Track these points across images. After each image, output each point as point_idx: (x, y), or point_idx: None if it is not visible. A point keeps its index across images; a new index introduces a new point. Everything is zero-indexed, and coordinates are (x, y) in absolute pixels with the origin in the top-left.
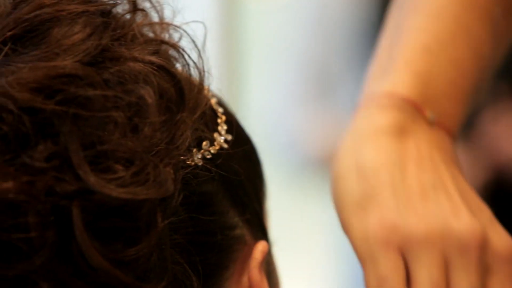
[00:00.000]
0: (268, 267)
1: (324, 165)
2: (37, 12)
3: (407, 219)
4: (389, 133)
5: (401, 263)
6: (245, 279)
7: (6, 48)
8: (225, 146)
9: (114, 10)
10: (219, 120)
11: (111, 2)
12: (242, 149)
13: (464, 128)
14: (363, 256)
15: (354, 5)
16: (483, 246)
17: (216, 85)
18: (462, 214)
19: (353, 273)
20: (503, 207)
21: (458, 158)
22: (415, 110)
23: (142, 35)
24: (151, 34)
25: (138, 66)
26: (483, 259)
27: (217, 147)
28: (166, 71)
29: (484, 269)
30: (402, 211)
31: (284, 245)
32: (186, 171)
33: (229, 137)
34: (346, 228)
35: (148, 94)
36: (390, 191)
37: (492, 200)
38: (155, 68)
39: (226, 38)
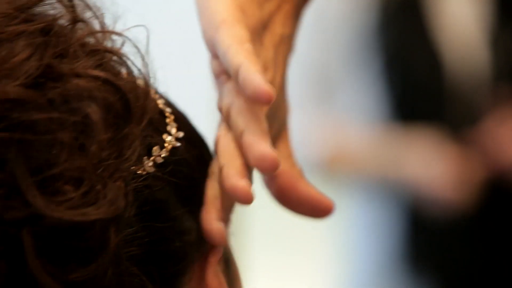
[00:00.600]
0: (227, 265)
1: (324, 168)
2: None
3: None
4: None
5: None
6: (204, 283)
7: None
8: (178, 144)
9: (54, 25)
10: (167, 120)
11: (51, 18)
12: (194, 148)
13: (467, 130)
14: None
15: (354, 8)
16: None
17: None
18: None
19: (353, 274)
20: (504, 209)
21: None
22: None
23: (84, 46)
24: (93, 43)
25: (82, 82)
26: None
27: (169, 147)
28: (111, 84)
29: None
30: None
31: (284, 247)
32: (138, 181)
33: (180, 135)
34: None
35: (94, 112)
36: None
37: (494, 202)
38: (99, 82)
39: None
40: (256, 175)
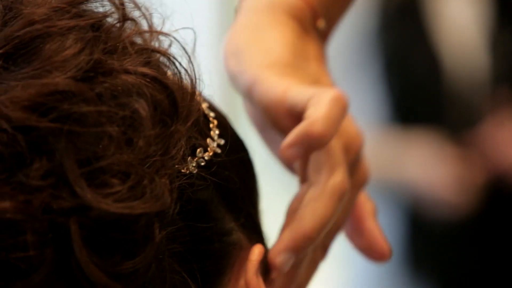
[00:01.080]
0: (265, 268)
1: None
2: (28, 28)
3: None
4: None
5: None
6: (241, 283)
7: None
8: (219, 151)
9: (103, 22)
10: (211, 125)
11: (101, 14)
12: (235, 152)
13: (466, 133)
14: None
15: (353, 11)
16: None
17: (215, 88)
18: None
19: (353, 275)
20: (504, 212)
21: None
22: (311, 16)
23: (133, 44)
24: (140, 42)
25: (130, 78)
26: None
27: (211, 153)
28: (159, 82)
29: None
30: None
31: None
32: (182, 180)
33: (222, 142)
34: (256, 75)
35: (142, 107)
36: (301, 70)
37: (493, 205)
38: (147, 79)
39: (220, 44)
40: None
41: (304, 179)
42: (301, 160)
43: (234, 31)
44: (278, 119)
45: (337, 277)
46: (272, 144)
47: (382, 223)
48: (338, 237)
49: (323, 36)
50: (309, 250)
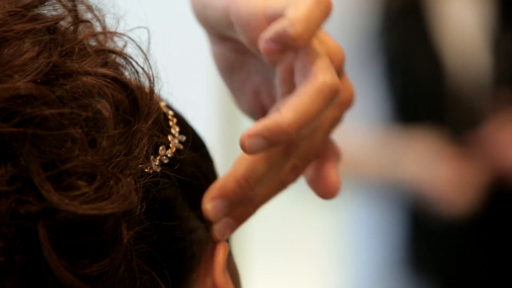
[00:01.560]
0: (229, 265)
1: None
2: None
3: None
4: None
5: None
6: (208, 280)
7: None
8: (181, 147)
9: (58, 25)
10: (171, 123)
11: (55, 17)
12: (196, 149)
13: (468, 133)
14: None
15: (356, 11)
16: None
17: (217, 85)
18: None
19: (354, 275)
20: (505, 212)
21: None
22: None
23: (89, 46)
24: (95, 44)
25: (91, 79)
26: None
27: (173, 149)
28: (119, 82)
29: None
30: None
31: (285, 249)
32: (146, 179)
33: (183, 138)
34: None
35: (105, 108)
36: None
37: (494, 205)
38: (108, 80)
39: (174, 41)
40: None
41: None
42: (281, 68)
43: None
44: (258, 33)
45: (338, 276)
46: (238, 91)
47: (384, 224)
48: (339, 238)
49: None
50: (276, 160)
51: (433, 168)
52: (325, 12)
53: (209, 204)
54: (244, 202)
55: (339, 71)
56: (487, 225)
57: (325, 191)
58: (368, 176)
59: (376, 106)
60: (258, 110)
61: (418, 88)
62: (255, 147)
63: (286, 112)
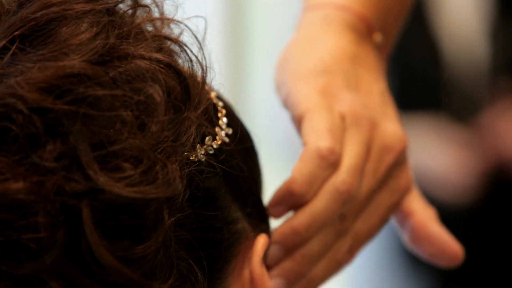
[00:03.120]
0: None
1: None
2: (44, 11)
3: (349, 95)
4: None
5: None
6: (246, 272)
7: (13, 47)
8: (227, 140)
9: (117, 7)
10: (219, 115)
11: (115, 0)
12: (242, 142)
13: (467, 121)
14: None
15: None
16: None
17: (218, 79)
18: (394, 120)
19: (354, 272)
20: (504, 202)
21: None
22: (366, 30)
23: (146, 31)
24: (152, 29)
25: (145, 64)
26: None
27: (219, 142)
28: (173, 68)
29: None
30: (347, 89)
31: None
32: (191, 167)
33: (230, 131)
34: (290, 87)
35: (157, 93)
36: (343, 75)
37: (493, 195)
38: (161, 65)
39: (228, 33)
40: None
41: None
42: None
43: (288, 43)
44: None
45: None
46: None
47: None
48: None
49: (381, 50)
50: (329, 239)
51: (433, 156)
52: (326, 165)
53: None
54: (301, 278)
55: (396, 160)
56: (487, 214)
57: (450, 259)
58: None
59: None
60: None
61: (416, 76)
62: (273, 254)
63: (298, 215)
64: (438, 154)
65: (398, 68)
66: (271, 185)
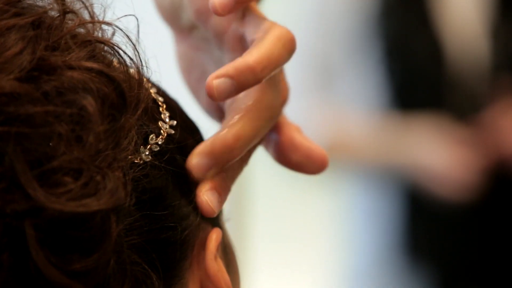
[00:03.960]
0: (225, 251)
1: None
2: None
3: None
4: None
5: None
6: (202, 266)
7: None
8: (172, 132)
9: (44, 18)
10: (161, 109)
11: (41, 10)
12: (188, 134)
13: (469, 119)
14: None
15: None
16: None
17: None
18: None
19: (352, 262)
20: (505, 199)
21: None
22: None
23: (76, 37)
24: (84, 33)
25: (75, 74)
26: None
27: (165, 135)
28: (105, 75)
29: None
30: None
31: (285, 236)
32: (136, 171)
33: (174, 123)
34: None
35: (89, 104)
36: None
37: (494, 191)
38: (93, 74)
39: None
40: (261, 161)
41: None
42: (229, 37)
43: None
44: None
45: (336, 261)
46: (196, 89)
47: (382, 210)
48: (336, 224)
49: None
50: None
51: (434, 152)
52: (287, 51)
53: (195, 159)
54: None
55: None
56: (487, 210)
57: (316, 165)
58: (367, 162)
59: (374, 91)
60: (215, 108)
61: (417, 73)
62: (223, 88)
63: (250, 54)
64: (439, 152)
65: (399, 65)
66: (272, 182)
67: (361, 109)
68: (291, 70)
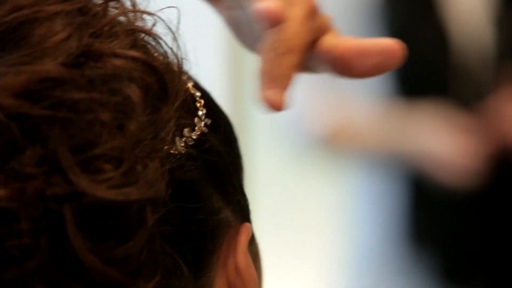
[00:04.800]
0: (252, 249)
1: (328, 143)
2: (15, 14)
3: None
4: None
5: None
6: (231, 262)
7: None
8: (205, 130)
9: (89, 5)
10: (197, 104)
11: None
12: (222, 131)
13: (474, 107)
14: None
15: None
16: None
17: (222, 63)
18: None
19: (360, 250)
20: (509, 186)
21: None
22: None
23: (119, 26)
24: (125, 22)
25: (120, 62)
26: None
27: (198, 132)
28: (148, 65)
29: None
30: None
31: (289, 224)
32: (172, 162)
33: (209, 121)
34: None
35: (134, 93)
36: None
37: (498, 179)
38: (138, 63)
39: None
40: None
41: None
42: None
43: None
44: None
45: (340, 248)
46: (253, 47)
47: (386, 197)
48: (341, 211)
49: None
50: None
51: (438, 140)
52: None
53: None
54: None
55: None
56: (491, 198)
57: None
58: (372, 149)
59: (379, 79)
60: None
61: (422, 61)
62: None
63: None
64: (443, 139)
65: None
66: (277, 169)
67: (365, 96)
68: None
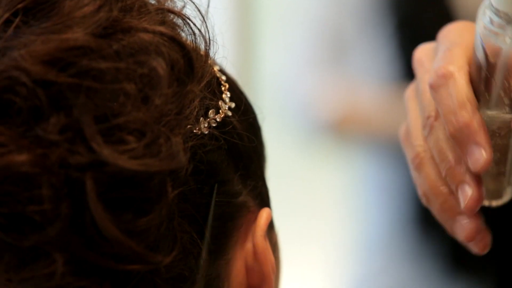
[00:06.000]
0: (271, 237)
1: (335, 128)
2: None
3: None
4: None
5: None
6: (249, 245)
7: (17, 20)
8: (229, 113)
9: None
10: (222, 88)
11: None
12: (245, 116)
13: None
14: None
15: None
16: None
17: (230, 49)
18: None
19: (368, 235)
20: None
21: None
22: None
23: (149, 4)
24: (154, 2)
25: (148, 37)
26: None
27: (222, 115)
28: (176, 41)
29: None
30: None
31: (297, 209)
32: (194, 140)
33: (233, 105)
34: None
35: (160, 66)
36: None
37: None
38: (165, 38)
39: (239, 2)
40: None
41: None
42: None
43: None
44: None
45: (348, 234)
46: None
47: (393, 182)
48: (349, 197)
49: None
50: None
51: None
52: None
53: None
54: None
55: None
56: None
57: None
58: (379, 135)
59: (386, 64)
60: None
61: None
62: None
63: None
64: None
65: (411, 39)
66: (285, 155)
67: (373, 81)
68: (304, 43)
